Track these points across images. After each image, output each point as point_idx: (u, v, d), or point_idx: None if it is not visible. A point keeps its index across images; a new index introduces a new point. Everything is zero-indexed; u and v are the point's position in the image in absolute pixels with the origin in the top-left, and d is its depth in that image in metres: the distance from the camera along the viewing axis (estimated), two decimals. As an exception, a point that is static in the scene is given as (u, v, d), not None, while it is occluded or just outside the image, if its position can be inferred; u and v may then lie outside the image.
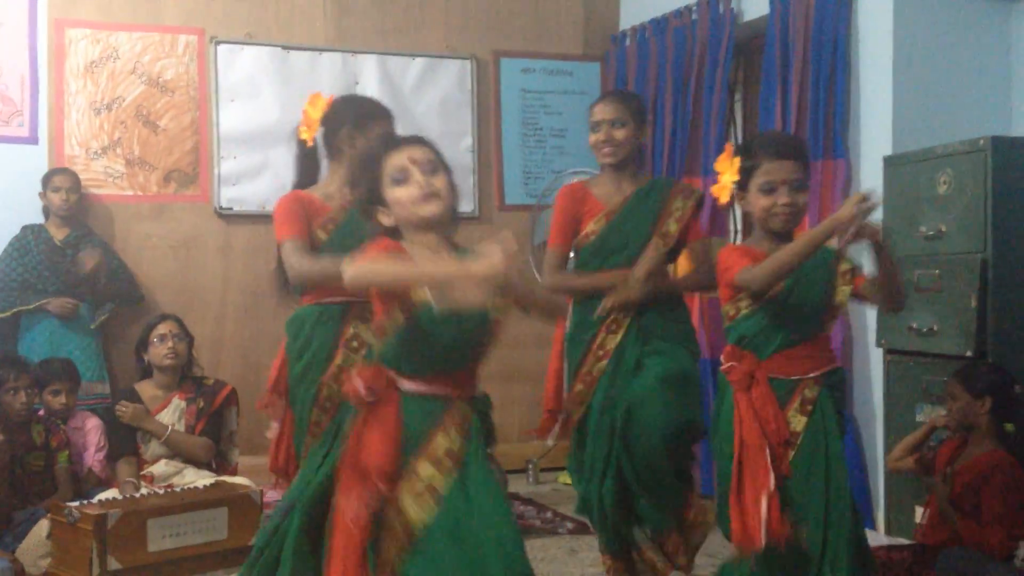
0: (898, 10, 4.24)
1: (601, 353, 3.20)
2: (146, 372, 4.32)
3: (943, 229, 3.76)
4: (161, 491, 3.88)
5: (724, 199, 2.72)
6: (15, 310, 4.75)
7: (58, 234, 4.90)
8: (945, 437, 3.52)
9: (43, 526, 3.66)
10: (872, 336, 4.12)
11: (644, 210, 3.26)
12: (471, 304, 1.97)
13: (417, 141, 2.26)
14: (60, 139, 5.18)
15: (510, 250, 1.99)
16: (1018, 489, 3.28)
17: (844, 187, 4.31)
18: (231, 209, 5.43)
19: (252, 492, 3.85)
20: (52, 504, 3.69)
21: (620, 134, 3.25)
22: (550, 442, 3.48)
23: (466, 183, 5.70)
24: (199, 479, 4.03)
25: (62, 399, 4.23)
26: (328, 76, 5.52)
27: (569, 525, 4.39)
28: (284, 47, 5.51)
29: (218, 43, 5.41)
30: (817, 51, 4.47)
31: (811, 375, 2.60)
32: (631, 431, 3.05)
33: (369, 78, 5.61)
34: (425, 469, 2.13)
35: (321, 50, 5.57)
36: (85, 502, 3.69)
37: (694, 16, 5.28)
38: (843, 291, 2.62)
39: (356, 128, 3.04)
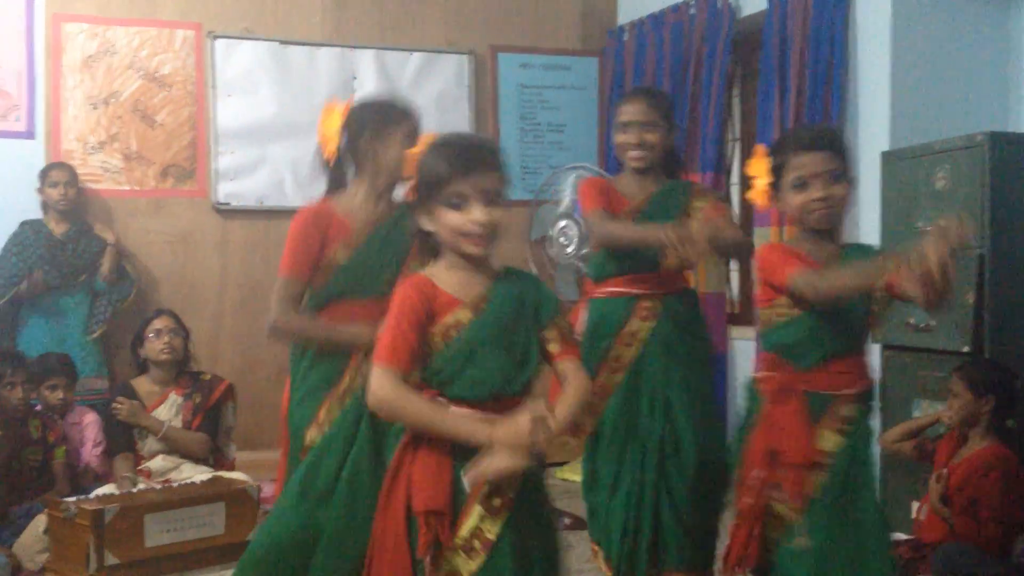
0: (896, 5, 4.24)
1: (616, 365, 3.09)
2: (142, 368, 4.32)
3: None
4: (158, 486, 3.88)
5: (761, 204, 2.53)
6: (11, 294, 4.76)
7: (57, 229, 4.90)
8: (943, 432, 3.53)
9: (40, 521, 3.66)
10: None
11: (668, 208, 3.09)
12: (498, 473, 1.87)
13: (491, 167, 2.01)
14: (57, 134, 5.18)
15: (540, 417, 1.87)
16: (1016, 485, 3.28)
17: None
18: (229, 204, 5.43)
19: (249, 487, 3.85)
20: (49, 499, 3.69)
21: (652, 137, 3.08)
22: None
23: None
24: (196, 474, 4.03)
25: (59, 394, 4.22)
26: (326, 71, 5.53)
27: (566, 520, 4.39)
28: (282, 42, 5.50)
29: (215, 38, 5.40)
30: (815, 46, 4.46)
31: (848, 391, 2.40)
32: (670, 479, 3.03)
33: (367, 73, 5.60)
34: (471, 517, 1.97)
35: (319, 45, 5.56)
36: (82, 497, 3.69)
37: (692, 11, 5.28)
38: (883, 297, 2.40)
39: (376, 137, 2.79)
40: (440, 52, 5.78)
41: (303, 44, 5.53)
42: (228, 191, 5.43)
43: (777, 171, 2.46)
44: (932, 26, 4.28)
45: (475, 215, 1.96)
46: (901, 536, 3.63)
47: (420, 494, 1.96)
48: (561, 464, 5.28)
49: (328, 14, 5.62)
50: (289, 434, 2.79)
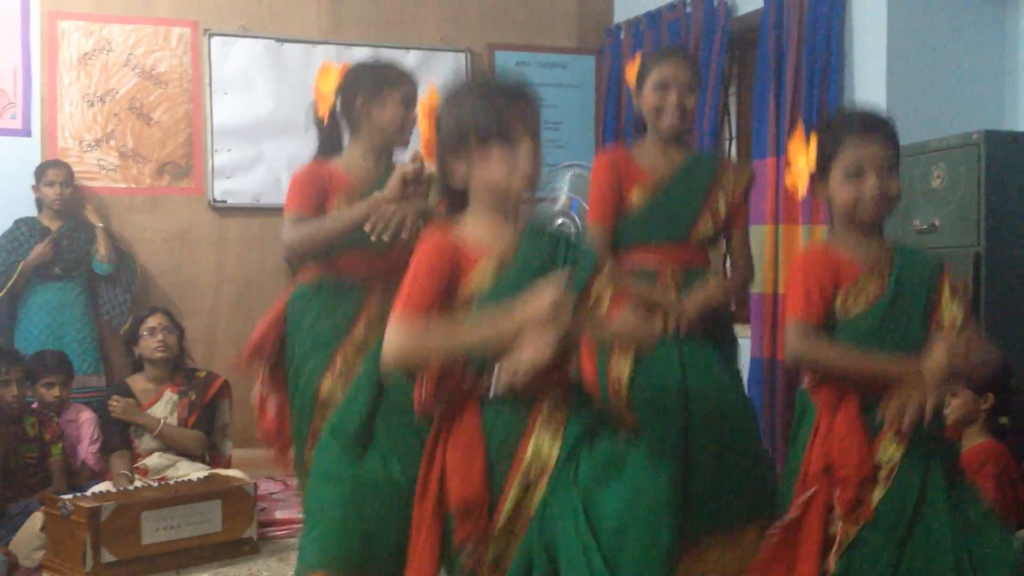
0: (892, 4, 4.24)
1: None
2: (137, 366, 4.32)
3: (937, 223, 3.77)
4: (155, 484, 3.88)
5: (801, 190, 2.31)
6: (5, 291, 4.76)
7: (52, 226, 4.90)
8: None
9: (37, 519, 3.65)
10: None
11: (696, 181, 2.89)
12: (527, 364, 1.78)
13: (532, 109, 1.95)
14: (53, 131, 5.17)
15: (561, 286, 1.82)
16: (1010, 480, 3.28)
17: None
18: (225, 202, 5.43)
19: (246, 485, 3.84)
20: (46, 497, 3.69)
21: (690, 101, 2.87)
22: None
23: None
24: (193, 472, 4.02)
25: (55, 392, 4.22)
26: (322, 69, 5.52)
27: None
28: (278, 39, 5.50)
29: (212, 35, 5.39)
30: (811, 45, 4.47)
31: None
32: None
33: (363, 71, 5.60)
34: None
35: (315, 42, 5.55)
36: (79, 495, 3.68)
37: (688, 9, 5.28)
38: (953, 310, 2.20)
39: (371, 98, 2.80)
40: (436, 50, 5.78)
41: (299, 42, 5.53)
42: (224, 189, 5.42)
43: (827, 155, 2.24)
44: (928, 25, 4.29)
45: (524, 155, 1.91)
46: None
47: (455, 487, 1.89)
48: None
49: (324, 12, 5.62)
50: (294, 390, 2.76)
